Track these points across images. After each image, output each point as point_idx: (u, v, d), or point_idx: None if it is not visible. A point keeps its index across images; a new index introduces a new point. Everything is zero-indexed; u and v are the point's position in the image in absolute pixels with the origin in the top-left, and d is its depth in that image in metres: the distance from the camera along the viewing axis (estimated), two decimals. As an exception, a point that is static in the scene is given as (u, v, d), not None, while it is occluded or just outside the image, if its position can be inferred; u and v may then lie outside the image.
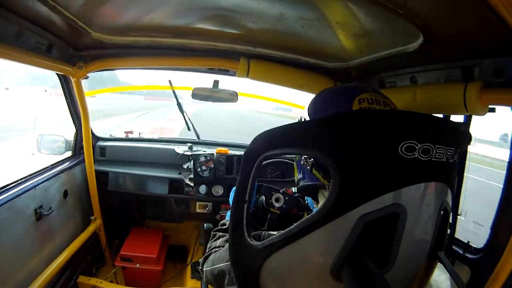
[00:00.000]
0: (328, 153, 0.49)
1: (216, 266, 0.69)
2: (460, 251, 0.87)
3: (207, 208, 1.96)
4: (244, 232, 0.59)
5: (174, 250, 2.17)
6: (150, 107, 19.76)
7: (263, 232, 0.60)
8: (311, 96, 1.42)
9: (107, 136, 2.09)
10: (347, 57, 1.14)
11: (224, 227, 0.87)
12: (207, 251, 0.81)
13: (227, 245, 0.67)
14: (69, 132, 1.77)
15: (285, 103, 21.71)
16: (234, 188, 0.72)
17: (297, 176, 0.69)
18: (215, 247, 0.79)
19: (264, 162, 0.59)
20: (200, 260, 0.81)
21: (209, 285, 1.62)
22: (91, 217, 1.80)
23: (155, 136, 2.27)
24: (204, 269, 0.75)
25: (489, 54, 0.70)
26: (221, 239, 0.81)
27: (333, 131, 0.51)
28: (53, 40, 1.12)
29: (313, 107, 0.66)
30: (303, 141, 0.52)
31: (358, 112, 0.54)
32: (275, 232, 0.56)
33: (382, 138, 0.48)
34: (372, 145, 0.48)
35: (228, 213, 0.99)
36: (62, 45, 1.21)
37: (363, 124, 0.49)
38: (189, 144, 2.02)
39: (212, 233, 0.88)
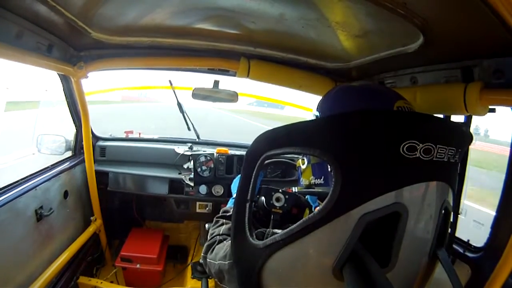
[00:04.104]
0: (331, 152, 0.49)
1: (218, 262, 0.69)
2: (461, 250, 0.87)
3: (207, 208, 1.95)
4: (246, 232, 0.59)
5: (174, 250, 2.16)
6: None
7: (267, 230, 0.61)
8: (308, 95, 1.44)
9: (107, 136, 2.09)
10: (347, 58, 1.15)
11: (228, 214, 0.86)
12: (208, 237, 0.81)
13: (230, 242, 0.67)
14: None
15: (284, 103, 20.85)
16: (238, 176, 0.71)
17: (311, 179, 0.66)
18: (219, 234, 0.78)
19: (266, 162, 0.59)
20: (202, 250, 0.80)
21: (209, 285, 1.63)
22: (91, 218, 1.79)
23: (155, 136, 2.27)
24: (208, 259, 0.75)
25: (489, 54, 0.70)
26: (224, 227, 0.80)
27: (336, 130, 0.51)
28: (54, 40, 1.12)
29: (323, 106, 0.66)
30: (306, 140, 0.53)
31: (360, 112, 0.54)
32: (279, 231, 0.56)
33: (384, 138, 0.48)
34: (374, 144, 0.48)
35: (231, 200, 0.99)
36: (63, 45, 1.21)
37: (366, 123, 0.49)
38: (189, 144, 2.02)
39: (214, 219, 0.87)
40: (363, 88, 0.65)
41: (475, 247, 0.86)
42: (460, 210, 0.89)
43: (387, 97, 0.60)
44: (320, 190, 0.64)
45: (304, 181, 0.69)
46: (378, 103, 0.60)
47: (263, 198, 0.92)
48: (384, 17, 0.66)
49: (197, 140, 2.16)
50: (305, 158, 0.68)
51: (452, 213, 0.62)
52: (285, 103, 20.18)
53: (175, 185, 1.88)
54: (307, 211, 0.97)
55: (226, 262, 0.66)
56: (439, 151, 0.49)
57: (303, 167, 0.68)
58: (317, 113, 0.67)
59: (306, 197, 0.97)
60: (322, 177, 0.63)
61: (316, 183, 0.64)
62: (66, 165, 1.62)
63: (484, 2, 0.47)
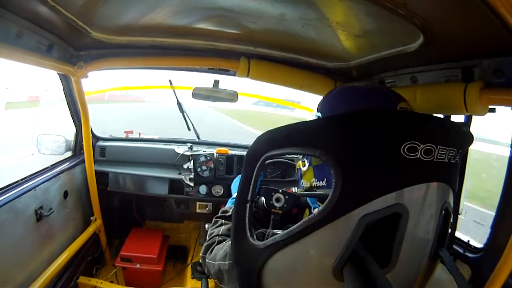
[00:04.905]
0: (331, 152, 0.49)
1: (217, 262, 0.69)
2: (461, 250, 0.87)
3: (207, 208, 1.96)
4: (246, 232, 0.59)
5: (174, 250, 2.17)
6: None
7: (268, 230, 0.61)
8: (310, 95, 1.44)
9: (107, 136, 2.09)
10: (347, 57, 1.15)
11: (227, 214, 0.86)
12: (207, 237, 0.81)
13: (229, 243, 0.67)
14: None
15: (290, 105, 20.19)
16: (238, 176, 0.71)
17: (313, 182, 0.64)
18: (218, 235, 0.78)
19: (266, 162, 0.59)
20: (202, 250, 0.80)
21: (209, 285, 1.63)
22: (91, 218, 1.79)
23: (155, 136, 2.27)
24: (207, 260, 0.74)
25: (489, 54, 0.70)
26: (224, 227, 0.80)
27: (337, 130, 0.51)
28: (54, 40, 1.12)
29: (324, 107, 0.66)
30: (306, 140, 0.52)
31: (362, 112, 0.54)
32: (279, 231, 0.56)
33: (385, 138, 0.48)
34: (375, 145, 0.48)
35: (230, 200, 0.99)
36: (63, 45, 1.21)
37: (367, 124, 0.49)
38: (189, 144, 2.02)
39: (214, 219, 0.87)
40: (365, 89, 0.64)
41: (475, 247, 0.86)
42: (460, 210, 0.90)
43: (390, 98, 0.60)
44: (321, 192, 0.63)
45: (305, 183, 0.67)
46: (381, 104, 0.59)
47: (263, 198, 0.92)
48: (385, 17, 0.66)
49: (197, 140, 2.16)
50: (305, 160, 0.66)
51: (452, 214, 0.62)
52: (288, 104, 19.75)
53: (175, 185, 1.88)
54: (307, 211, 0.97)
55: (226, 263, 0.66)
56: (439, 151, 0.49)
57: (304, 169, 0.67)
58: (319, 114, 0.66)
59: (306, 198, 0.97)
60: (325, 180, 0.61)
61: (318, 185, 0.63)
62: (66, 165, 1.62)
63: (484, 2, 0.47)
